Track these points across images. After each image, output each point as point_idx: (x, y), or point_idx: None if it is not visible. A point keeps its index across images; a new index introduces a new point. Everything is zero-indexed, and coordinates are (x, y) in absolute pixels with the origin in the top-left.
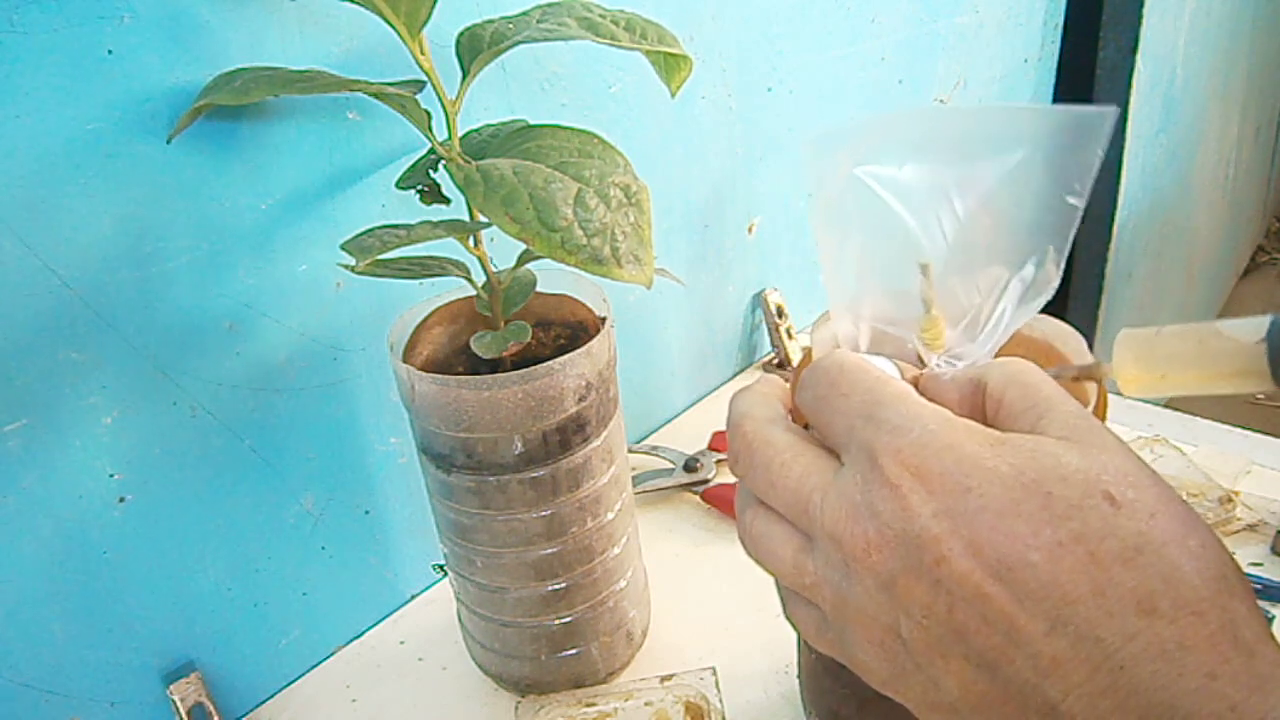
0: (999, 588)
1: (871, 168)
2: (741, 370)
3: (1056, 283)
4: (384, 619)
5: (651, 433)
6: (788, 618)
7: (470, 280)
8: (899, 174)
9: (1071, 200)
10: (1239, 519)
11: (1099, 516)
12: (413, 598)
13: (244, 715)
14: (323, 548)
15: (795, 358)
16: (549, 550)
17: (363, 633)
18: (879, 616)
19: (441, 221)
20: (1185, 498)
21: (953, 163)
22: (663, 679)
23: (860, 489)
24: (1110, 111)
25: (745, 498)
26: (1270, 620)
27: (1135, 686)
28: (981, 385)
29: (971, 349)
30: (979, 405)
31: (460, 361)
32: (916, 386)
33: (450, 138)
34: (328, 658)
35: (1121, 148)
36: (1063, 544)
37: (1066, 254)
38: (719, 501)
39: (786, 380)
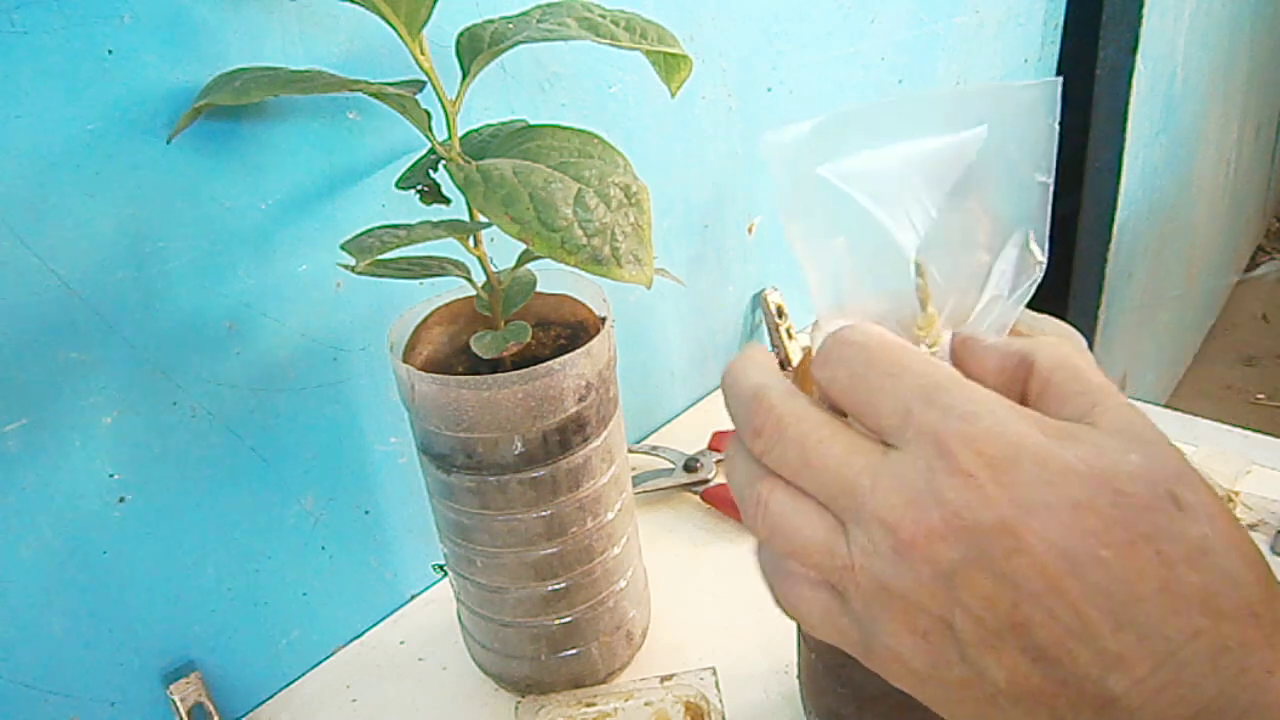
0: (1071, 582)
1: (835, 165)
2: None
3: (1042, 263)
4: (384, 619)
5: (651, 433)
6: (778, 601)
7: (470, 280)
8: (863, 167)
9: (1040, 178)
10: (1239, 519)
11: (1166, 517)
12: (413, 598)
13: (244, 715)
14: (323, 548)
15: (795, 358)
16: (549, 550)
17: (363, 633)
18: (929, 607)
19: (441, 221)
20: None
21: (912, 143)
22: (663, 679)
23: (924, 476)
24: (1056, 81)
25: (756, 472)
26: None
27: (1196, 680)
28: (1028, 361)
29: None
30: (1019, 379)
31: (460, 361)
32: (953, 348)
33: (450, 138)
34: (328, 658)
35: (1121, 148)
36: (1133, 542)
37: (1047, 235)
38: (719, 501)
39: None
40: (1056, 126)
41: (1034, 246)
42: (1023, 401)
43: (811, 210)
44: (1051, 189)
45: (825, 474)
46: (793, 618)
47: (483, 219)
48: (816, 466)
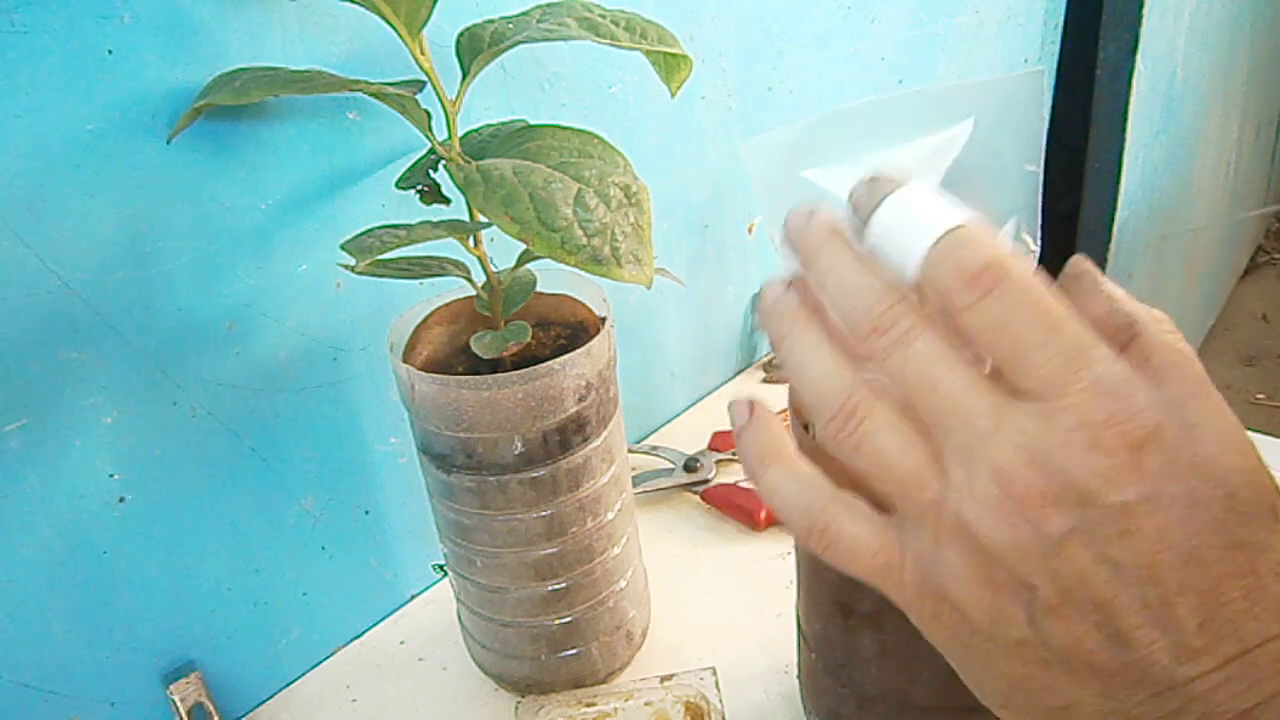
0: (1171, 575)
1: (820, 170)
2: (741, 370)
3: (1035, 252)
4: (384, 619)
5: (651, 433)
6: (809, 528)
7: (470, 280)
8: (850, 171)
9: (1029, 167)
10: None
11: (1264, 529)
12: (413, 598)
13: (244, 715)
14: (323, 548)
15: None
16: (549, 550)
17: (363, 633)
18: (1014, 565)
19: (441, 221)
20: None
21: (900, 147)
22: (663, 679)
23: (1056, 440)
24: (1041, 71)
25: (858, 381)
26: None
27: (1259, 680)
28: (1134, 327)
29: None
30: (1116, 343)
31: (460, 361)
32: (1068, 274)
33: (450, 138)
34: (328, 658)
35: (1121, 148)
36: (1233, 547)
37: (1038, 224)
38: (719, 501)
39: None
40: (1045, 116)
41: (1026, 236)
42: None
43: None
44: (1041, 178)
45: (946, 401)
46: (822, 550)
47: (483, 219)
48: (939, 391)
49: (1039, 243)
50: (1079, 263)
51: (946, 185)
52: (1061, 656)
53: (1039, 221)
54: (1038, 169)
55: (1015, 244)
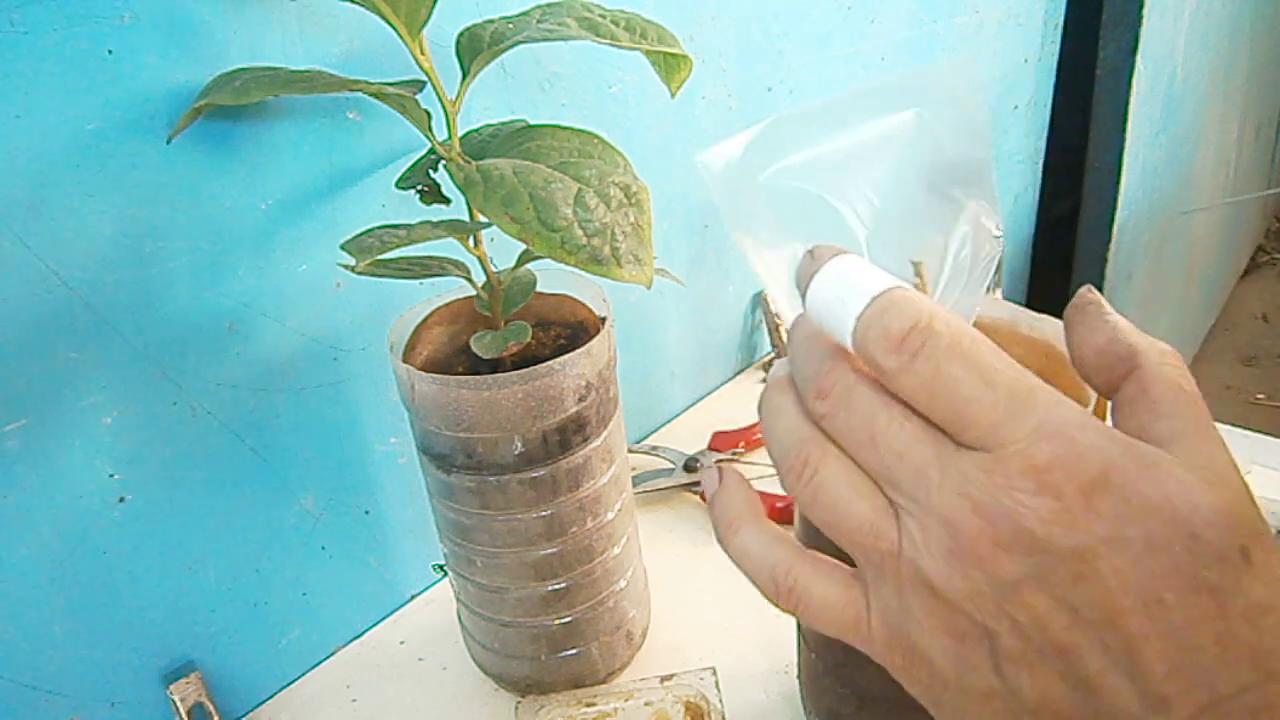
0: (1132, 620)
1: (774, 169)
2: (741, 370)
3: (999, 238)
4: (384, 619)
5: (651, 433)
6: (777, 590)
7: (470, 280)
8: (801, 165)
9: (979, 153)
10: None
11: (1233, 571)
12: (413, 598)
13: (244, 715)
14: (323, 548)
15: None
16: (549, 550)
17: (363, 633)
18: (973, 613)
19: (441, 221)
20: None
21: (844, 137)
22: (663, 679)
23: (1002, 486)
24: (971, 58)
25: (808, 434)
26: None
27: None
28: (1134, 359)
29: None
30: (1117, 371)
31: (460, 361)
32: (1072, 307)
33: (450, 138)
34: (328, 658)
35: (1121, 148)
36: (1198, 590)
37: (997, 209)
38: None
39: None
40: (982, 100)
41: (987, 222)
42: (1111, 393)
43: (760, 222)
44: (990, 162)
45: (890, 455)
46: (792, 610)
47: (483, 219)
48: (882, 446)
49: (1001, 227)
50: (1085, 294)
51: (900, 181)
52: (1030, 707)
53: (998, 206)
54: (985, 153)
55: (978, 231)
